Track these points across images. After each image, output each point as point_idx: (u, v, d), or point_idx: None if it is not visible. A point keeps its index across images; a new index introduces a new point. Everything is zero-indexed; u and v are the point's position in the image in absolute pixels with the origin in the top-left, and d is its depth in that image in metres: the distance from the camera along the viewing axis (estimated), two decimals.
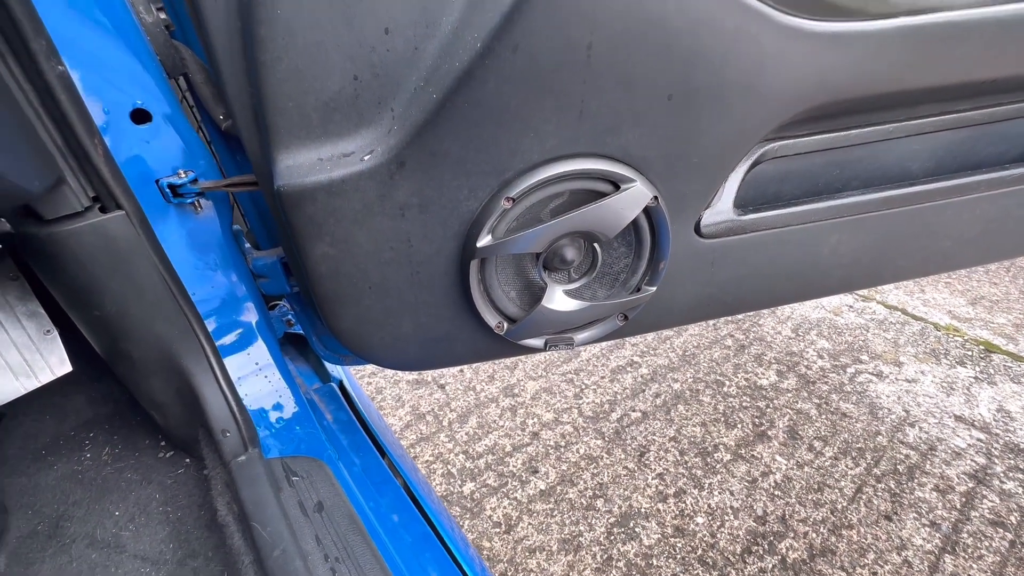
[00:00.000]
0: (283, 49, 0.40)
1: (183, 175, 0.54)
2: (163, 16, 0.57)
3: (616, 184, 0.48)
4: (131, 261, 0.51)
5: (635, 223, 0.51)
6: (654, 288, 0.56)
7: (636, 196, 0.47)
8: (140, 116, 0.51)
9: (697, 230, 0.55)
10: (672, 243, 0.53)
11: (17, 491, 0.61)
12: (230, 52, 0.44)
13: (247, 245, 0.68)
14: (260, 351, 0.65)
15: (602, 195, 0.48)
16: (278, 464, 0.56)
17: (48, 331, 0.64)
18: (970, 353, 1.42)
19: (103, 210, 0.51)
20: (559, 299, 0.55)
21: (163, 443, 0.66)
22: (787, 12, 0.45)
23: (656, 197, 0.48)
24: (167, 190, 0.54)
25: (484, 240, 0.48)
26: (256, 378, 0.64)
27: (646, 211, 0.51)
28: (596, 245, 0.53)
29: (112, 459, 0.65)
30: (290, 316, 0.80)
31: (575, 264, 0.55)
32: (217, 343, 0.62)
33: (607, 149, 0.46)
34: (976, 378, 1.33)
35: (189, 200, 0.55)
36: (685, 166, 0.49)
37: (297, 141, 0.43)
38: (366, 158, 0.43)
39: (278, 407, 0.64)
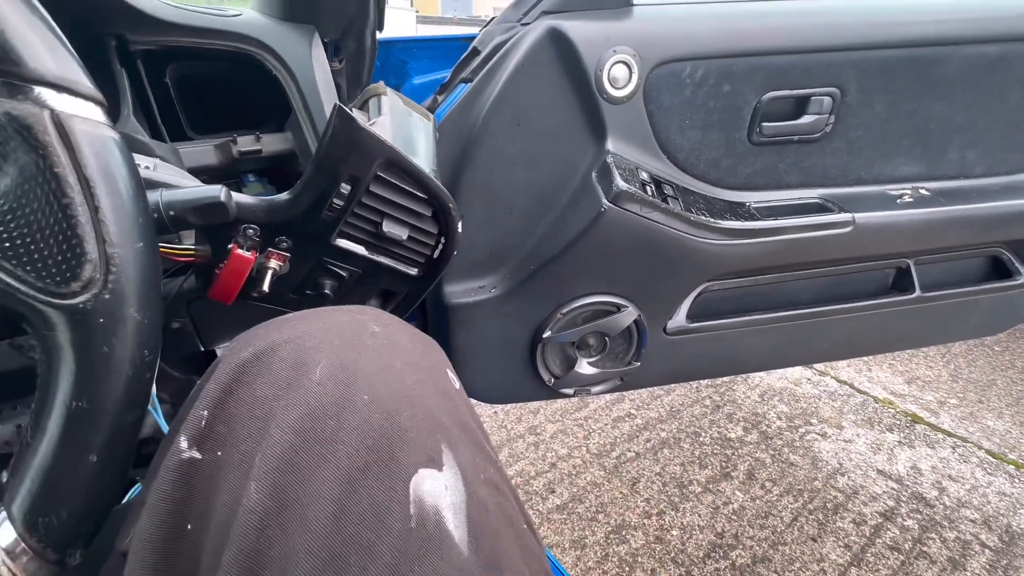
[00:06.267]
0: (466, 209, 0.79)
1: None
2: None
3: (618, 308, 0.86)
4: None
5: (628, 328, 0.87)
6: (639, 363, 0.92)
7: (628, 315, 0.84)
8: None
9: (665, 331, 0.91)
10: (648, 338, 0.89)
11: None
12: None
13: None
14: None
15: (610, 313, 0.86)
16: None
17: None
18: (898, 422, 1.73)
19: None
20: (585, 367, 0.91)
21: None
22: (707, 216, 0.84)
23: (640, 316, 0.85)
24: None
25: (546, 334, 0.85)
26: None
27: (634, 322, 0.88)
28: (607, 338, 0.90)
29: None
30: None
31: (595, 347, 0.92)
32: None
33: (615, 291, 0.83)
34: (900, 442, 1.65)
35: None
36: (657, 299, 0.86)
37: (457, 277, 0.81)
38: (492, 291, 0.80)
39: None
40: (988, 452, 1.60)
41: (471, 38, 0.74)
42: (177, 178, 0.38)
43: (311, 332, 0.28)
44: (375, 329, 0.29)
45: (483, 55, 0.71)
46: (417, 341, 0.31)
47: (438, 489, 0.23)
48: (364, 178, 0.41)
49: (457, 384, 0.31)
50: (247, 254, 0.40)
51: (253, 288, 0.43)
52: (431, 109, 0.75)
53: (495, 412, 1.67)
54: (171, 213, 0.35)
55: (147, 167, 0.38)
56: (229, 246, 0.40)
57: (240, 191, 0.67)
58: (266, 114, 0.63)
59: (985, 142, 0.86)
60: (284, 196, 0.41)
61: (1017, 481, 1.48)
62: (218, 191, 0.36)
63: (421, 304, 0.90)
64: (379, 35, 0.72)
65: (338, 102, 0.39)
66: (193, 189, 0.36)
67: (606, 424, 1.66)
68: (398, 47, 0.78)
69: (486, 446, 0.28)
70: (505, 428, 1.62)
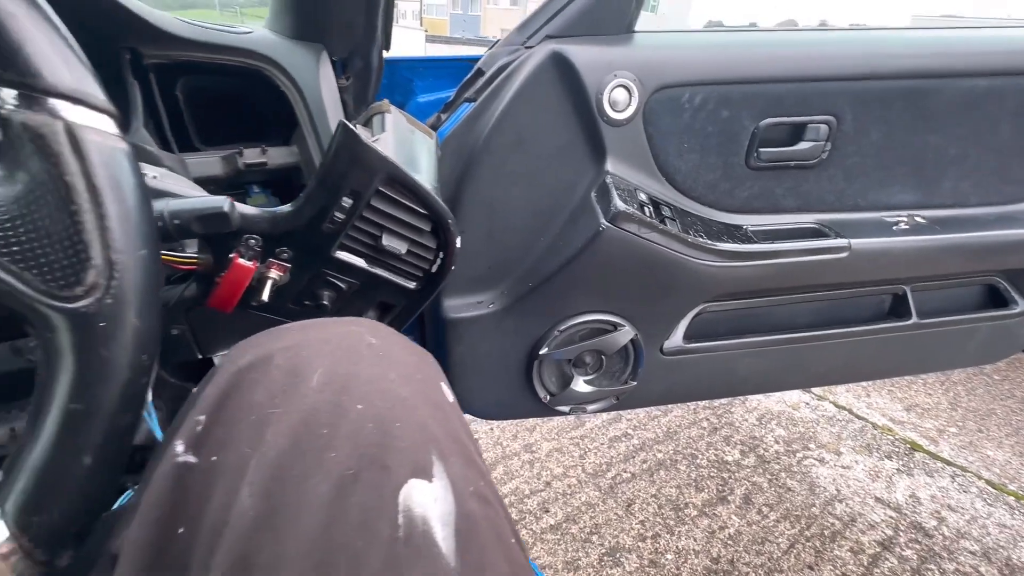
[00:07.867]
0: (466, 225, 0.79)
1: None
2: None
3: (615, 326, 0.86)
4: None
5: (624, 347, 0.88)
6: (636, 383, 0.92)
7: (625, 334, 0.84)
8: None
9: (661, 351, 0.91)
10: (645, 358, 0.89)
11: None
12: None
13: None
14: None
15: (607, 331, 0.86)
16: None
17: None
18: (897, 449, 1.72)
19: None
20: (581, 385, 0.91)
21: None
22: (706, 239, 0.85)
23: (636, 335, 0.86)
24: None
25: (543, 350, 0.85)
26: None
27: (631, 341, 0.88)
28: (603, 356, 0.90)
29: None
30: None
31: (591, 365, 0.92)
32: None
33: (612, 309, 0.84)
34: (898, 470, 1.63)
35: None
36: (654, 319, 0.87)
37: (456, 292, 0.81)
38: (490, 307, 0.81)
39: None
40: (988, 482, 1.58)
41: (476, 59, 0.76)
42: (183, 188, 0.39)
43: (308, 341, 0.28)
44: (371, 341, 0.30)
45: (487, 76, 0.73)
46: (411, 354, 0.32)
47: (427, 500, 0.24)
48: (365, 193, 0.42)
49: (451, 398, 0.31)
50: (248, 264, 0.41)
51: (252, 297, 0.43)
52: (435, 127, 0.77)
53: (491, 428, 1.66)
54: (176, 222, 0.36)
55: (154, 176, 0.39)
56: (231, 255, 0.41)
57: (244, 202, 0.68)
58: (272, 128, 0.65)
59: (979, 173, 0.87)
60: (287, 208, 0.42)
61: (1017, 513, 1.47)
62: (223, 202, 0.37)
63: (419, 317, 0.90)
64: (386, 54, 0.74)
65: (343, 119, 0.40)
66: (198, 199, 0.37)
67: (602, 444, 1.64)
68: (404, 66, 0.80)
69: (477, 459, 0.29)
70: (501, 445, 1.61)
